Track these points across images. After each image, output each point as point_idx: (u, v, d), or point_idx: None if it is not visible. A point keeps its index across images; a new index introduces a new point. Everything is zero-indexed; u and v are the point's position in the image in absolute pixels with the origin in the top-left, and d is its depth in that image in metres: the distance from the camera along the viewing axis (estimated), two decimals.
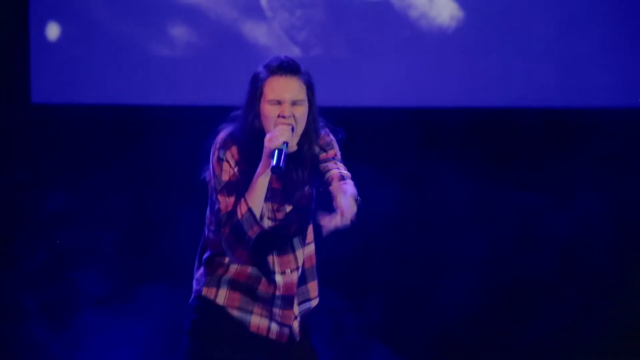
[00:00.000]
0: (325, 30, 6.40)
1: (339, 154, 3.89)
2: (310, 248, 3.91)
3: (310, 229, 3.89)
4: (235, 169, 3.71)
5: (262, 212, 3.72)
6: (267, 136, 3.65)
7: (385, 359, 6.31)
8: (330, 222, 3.56)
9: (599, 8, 6.43)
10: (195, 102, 6.34)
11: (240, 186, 3.70)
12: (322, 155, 3.83)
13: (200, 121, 6.16)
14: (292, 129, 3.69)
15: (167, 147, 6.20)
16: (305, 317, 3.92)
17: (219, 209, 3.71)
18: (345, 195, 3.61)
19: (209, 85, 6.33)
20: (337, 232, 3.60)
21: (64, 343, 6.19)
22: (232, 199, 3.68)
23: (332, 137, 3.90)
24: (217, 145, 3.74)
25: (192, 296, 3.88)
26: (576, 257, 6.38)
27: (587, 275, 6.39)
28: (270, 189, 3.74)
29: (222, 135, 3.76)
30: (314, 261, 3.92)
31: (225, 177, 3.71)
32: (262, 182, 3.66)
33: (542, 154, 6.46)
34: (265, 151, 3.64)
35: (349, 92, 6.39)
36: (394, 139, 6.34)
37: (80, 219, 6.25)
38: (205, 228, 3.85)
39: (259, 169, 3.65)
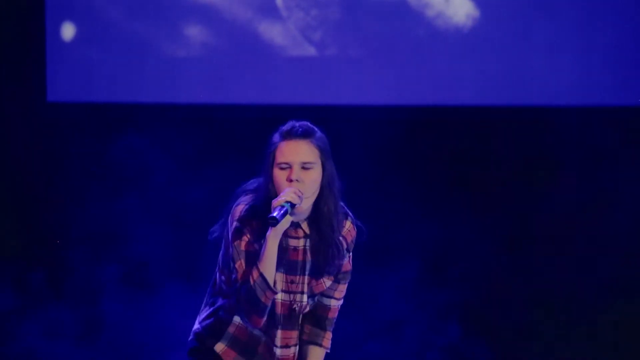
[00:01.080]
0: (340, 29, 6.40)
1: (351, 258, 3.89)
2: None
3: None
4: (255, 243, 3.69)
5: (275, 281, 3.70)
6: (275, 199, 3.63)
7: None
8: None
9: (617, 4, 6.40)
10: (210, 101, 6.35)
11: (257, 257, 3.68)
12: (344, 260, 3.82)
13: (215, 120, 6.22)
14: (301, 196, 3.65)
15: (181, 145, 6.22)
16: None
17: (236, 278, 3.69)
18: None
19: (224, 85, 6.35)
20: None
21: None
22: (249, 269, 3.67)
23: (356, 232, 3.86)
24: (236, 217, 3.71)
25: (192, 336, 3.88)
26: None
27: None
28: (287, 260, 3.74)
29: (241, 207, 3.73)
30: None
31: (243, 247, 3.69)
32: (271, 246, 3.63)
33: (560, 151, 6.43)
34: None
35: (364, 92, 6.38)
36: (409, 137, 6.33)
37: (94, 215, 6.27)
38: (217, 273, 3.83)
39: (267, 233, 3.64)
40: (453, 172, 6.41)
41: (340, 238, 3.80)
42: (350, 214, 3.85)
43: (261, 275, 3.64)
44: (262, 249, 3.65)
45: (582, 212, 6.34)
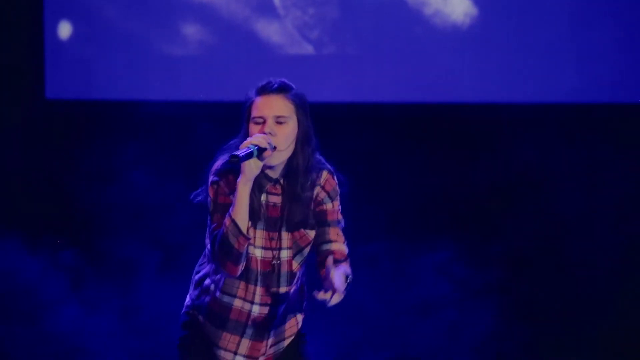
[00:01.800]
0: (338, 28, 6.42)
1: (339, 208, 3.85)
2: (294, 288, 3.87)
3: (301, 271, 3.86)
4: (230, 195, 3.70)
5: (255, 238, 3.73)
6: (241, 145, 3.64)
7: None
8: (321, 297, 3.54)
9: (614, 2, 6.40)
10: (208, 99, 6.38)
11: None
12: (327, 207, 3.80)
13: (213, 118, 6.24)
14: (270, 142, 3.64)
15: (179, 143, 6.25)
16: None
17: (214, 228, 3.70)
18: (338, 272, 3.59)
19: (221, 83, 6.37)
20: None
21: None
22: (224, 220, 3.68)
23: (336, 182, 3.85)
24: (213, 172, 3.75)
25: (184, 309, 3.91)
26: None
27: None
28: (266, 216, 3.75)
29: (218, 162, 3.77)
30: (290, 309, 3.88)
31: (220, 200, 3.71)
32: (241, 192, 3.63)
33: (554, 149, 6.43)
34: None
35: (361, 90, 6.40)
36: (407, 135, 6.34)
37: (92, 212, 6.31)
38: (206, 240, 3.85)
39: (237, 180, 3.64)
40: (457, 171, 6.42)
41: (318, 189, 3.77)
42: (328, 166, 3.83)
43: (233, 221, 3.63)
44: (234, 196, 3.64)
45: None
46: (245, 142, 3.62)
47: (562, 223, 6.37)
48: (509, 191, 6.40)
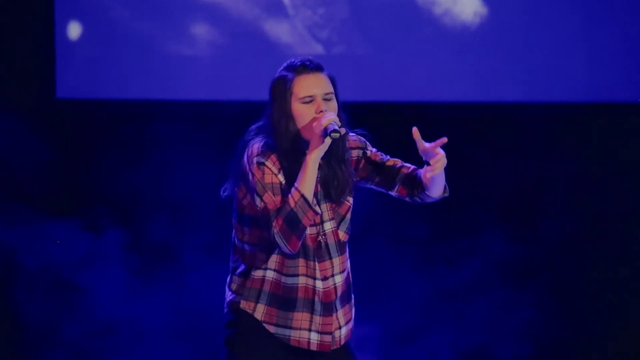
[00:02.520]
0: (347, 27, 6.42)
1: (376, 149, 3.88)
2: (348, 267, 3.85)
3: (347, 254, 3.85)
4: (278, 175, 3.66)
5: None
6: (316, 122, 3.61)
7: None
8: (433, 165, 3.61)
9: (626, 5, 6.39)
10: (217, 98, 6.39)
11: (285, 188, 3.65)
12: (368, 156, 3.82)
13: (222, 117, 6.26)
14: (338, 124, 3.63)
15: (188, 142, 6.26)
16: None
17: (265, 208, 3.63)
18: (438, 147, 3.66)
19: (231, 83, 6.38)
20: None
21: None
22: (279, 197, 3.63)
23: (355, 135, 3.87)
24: (255, 154, 3.67)
25: (227, 308, 3.82)
26: None
27: None
28: None
29: (256, 145, 3.70)
30: (350, 282, 3.88)
31: (268, 180, 3.66)
32: (312, 166, 3.59)
33: (565, 149, 6.43)
34: (316, 131, 3.59)
35: (371, 90, 6.40)
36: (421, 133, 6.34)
37: (102, 212, 6.33)
38: (235, 239, 3.80)
39: (308, 155, 3.60)
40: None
41: (349, 153, 3.78)
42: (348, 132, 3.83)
43: (302, 196, 3.59)
44: (302, 171, 3.60)
45: None
46: (324, 121, 3.58)
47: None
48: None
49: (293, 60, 3.75)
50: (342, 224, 3.79)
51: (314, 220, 3.64)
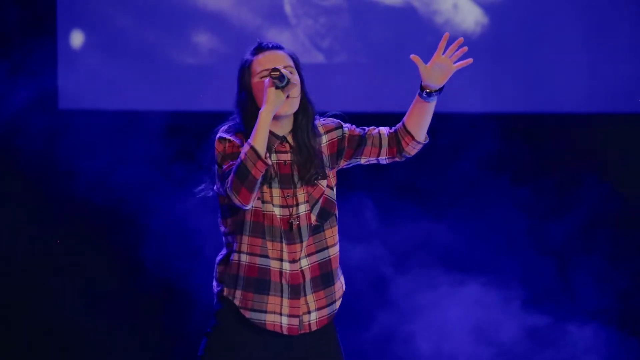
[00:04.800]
0: (349, 37, 6.43)
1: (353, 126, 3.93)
2: (335, 250, 3.87)
3: (335, 231, 3.87)
4: (239, 147, 3.72)
5: (272, 197, 3.74)
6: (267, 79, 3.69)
7: None
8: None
9: (625, 12, 6.40)
10: (220, 109, 6.37)
11: None
12: (347, 132, 3.89)
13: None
14: (292, 77, 3.70)
15: (192, 152, 6.24)
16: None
17: (223, 173, 3.69)
18: None
19: (233, 92, 6.36)
20: None
21: None
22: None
23: (328, 117, 3.96)
24: (219, 134, 3.78)
25: (215, 298, 3.86)
26: None
27: None
28: (279, 175, 3.77)
29: (222, 127, 3.82)
30: (338, 264, 3.89)
31: (229, 151, 3.73)
32: (264, 121, 3.65)
33: (569, 159, 6.43)
34: (267, 85, 3.68)
35: (372, 99, 6.40)
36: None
37: (107, 221, 6.33)
38: (222, 235, 3.85)
39: (261, 110, 3.66)
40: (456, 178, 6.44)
41: (325, 137, 3.85)
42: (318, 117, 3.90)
43: (252, 147, 3.63)
44: (255, 125, 3.65)
45: None
46: (274, 72, 3.66)
47: None
48: None
49: (253, 44, 3.87)
50: (315, 207, 3.80)
51: (262, 171, 3.65)
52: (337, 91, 6.39)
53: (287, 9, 6.41)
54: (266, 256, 3.76)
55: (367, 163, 3.97)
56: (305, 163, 3.79)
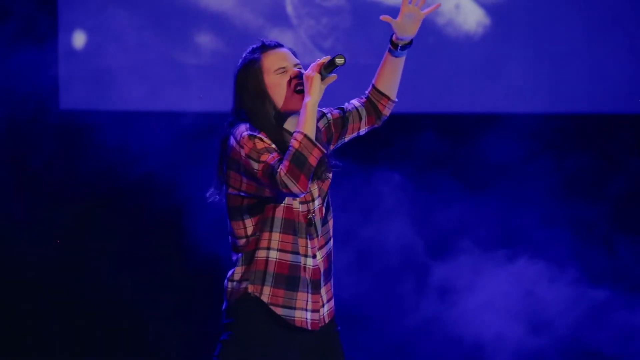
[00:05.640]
0: (351, 37, 6.42)
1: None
2: (330, 244, 3.84)
3: (331, 224, 3.85)
4: (271, 145, 3.65)
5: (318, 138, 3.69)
6: (308, 70, 3.70)
7: None
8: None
9: (626, 13, 6.40)
10: (222, 109, 6.37)
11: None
12: (334, 115, 3.90)
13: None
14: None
15: (194, 151, 6.25)
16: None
17: (265, 165, 3.59)
18: None
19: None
20: None
21: None
22: (276, 154, 3.61)
23: None
24: (243, 131, 3.67)
25: (227, 300, 3.74)
26: None
27: None
28: None
29: (242, 126, 3.69)
30: (332, 259, 3.87)
31: (261, 146, 3.63)
32: (311, 109, 3.61)
33: (567, 159, 6.44)
34: (310, 74, 3.67)
35: None
36: (424, 144, 6.34)
37: (107, 222, 6.33)
38: (235, 240, 3.75)
39: (305, 100, 3.63)
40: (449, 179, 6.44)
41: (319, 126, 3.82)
42: None
43: (305, 136, 3.58)
44: (301, 115, 3.61)
45: None
46: (319, 60, 3.69)
47: None
48: None
49: (252, 46, 3.83)
50: (325, 200, 3.79)
51: (318, 158, 3.61)
52: (338, 92, 6.38)
53: (289, 9, 6.40)
54: (297, 253, 3.70)
55: (349, 139, 3.95)
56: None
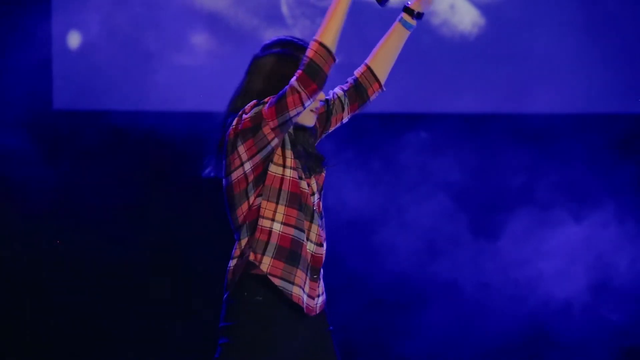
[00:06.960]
0: (346, 37, 6.38)
1: None
2: (324, 247, 3.80)
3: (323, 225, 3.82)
4: None
5: (299, 173, 3.67)
6: None
7: None
8: None
9: (622, 15, 6.41)
10: (216, 109, 6.36)
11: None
12: (319, 109, 3.82)
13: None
14: None
15: (188, 153, 6.24)
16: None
17: (275, 94, 3.58)
18: None
19: (230, 93, 6.35)
20: None
21: None
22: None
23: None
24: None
25: (231, 274, 3.66)
26: None
27: None
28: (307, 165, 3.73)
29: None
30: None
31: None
32: (340, 11, 3.67)
33: (565, 160, 6.45)
34: None
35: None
36: (419, 144, 6.34)
37: (101, 222, 6.32)
38: (238, 222, 3.67)
39: (332, 4, 3.63)
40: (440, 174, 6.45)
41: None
42: None
43: (322, 45, 3.61)
44: (328, 12, 3.66)
45: None
46: None
47: None
48: None
49: (296, 41, 3.80)
50: (322, 195, 3.77)
51: (331, 67, 3.60)
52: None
53: (284, 9, 6.39)
54: (301, 229, 3.66)
55: (333, 130, 3.91)
56: (311, 154, 3.76)
